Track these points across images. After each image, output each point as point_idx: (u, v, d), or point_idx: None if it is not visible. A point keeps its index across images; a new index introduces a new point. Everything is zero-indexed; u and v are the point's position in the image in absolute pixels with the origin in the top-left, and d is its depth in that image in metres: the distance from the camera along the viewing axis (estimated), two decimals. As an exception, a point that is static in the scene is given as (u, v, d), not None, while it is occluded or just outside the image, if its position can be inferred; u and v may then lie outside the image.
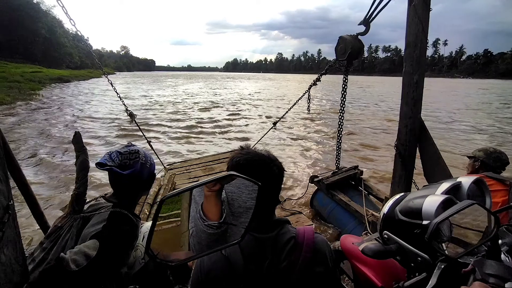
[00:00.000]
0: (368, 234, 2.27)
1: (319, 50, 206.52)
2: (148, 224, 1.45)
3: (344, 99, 2.61)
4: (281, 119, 3.59)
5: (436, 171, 2.15)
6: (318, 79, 2.72)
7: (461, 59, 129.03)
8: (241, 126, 9.52)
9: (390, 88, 31.91)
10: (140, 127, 3.14)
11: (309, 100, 2.86)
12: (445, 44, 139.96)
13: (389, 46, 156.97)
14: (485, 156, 1.86)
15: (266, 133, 3.83)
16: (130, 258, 1.15)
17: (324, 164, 5.35)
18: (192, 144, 7.14)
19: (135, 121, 2.87)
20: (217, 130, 8.76)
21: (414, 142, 2.22)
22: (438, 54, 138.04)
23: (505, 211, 0.95)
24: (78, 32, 2.28)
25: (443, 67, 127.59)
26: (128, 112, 2.74)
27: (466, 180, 0.76)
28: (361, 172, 3.11)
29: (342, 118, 2.67)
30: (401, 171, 2.34)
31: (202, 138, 7.79)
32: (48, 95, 17.79)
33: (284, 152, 6.33)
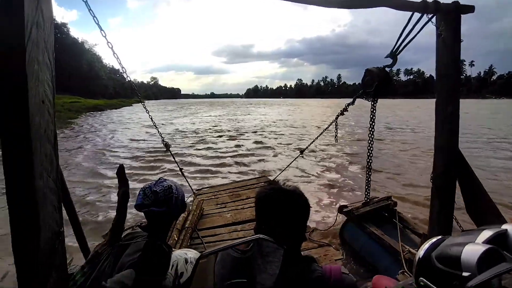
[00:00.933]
0: (405, 273, 2.12)
1: (339, 75, 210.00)
2: (177, 252, 1.51)
3: (373, 129, 2.59)
4: (308, 147, 3.60)
5: (481, 208, 2.00)
6: (345, 109, 2.75)
7: (491, 79, 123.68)
8: (265, 153, 9.51)
9: (420, 111, 30.26)
10: (174, 157, 3.31)
11: (336, 130, 2.88)
12: (471, 65, 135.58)
13: (411, 68, 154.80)
14: None
15: (292, 161, 3.84)
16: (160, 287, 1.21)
17: (354, 194, 5.16)
18: (217, 171, 7.26)
19: (169, 151, 3.05)
20: (241, 157, 8.83)
21: (453, 176, 2.11)
22: (465, 75, 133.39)
23: None
24: (122, 69, 2.53)
25: (471, 88, 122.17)
26: (164, 143, 2.94)
27: None
28: (395, 203, 2.97)
29: (371, 148, 2.63)
30: (439, 207, 2.20)
31: (226, 165, 7.88)
32: (77, 123, 19.25)
33: (311, 181, 6.22)
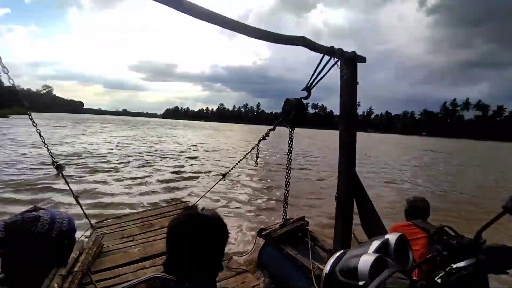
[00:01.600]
0: (315, 290, 2.25)
1: (258, 103, 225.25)
2: None
3: (291, 154, 2.79)
4: (230, 171, 3.57)
5: (371, 223, 2.37)
6: (267, 134, 2.89)
7: (371, 117, 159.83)
8: (184, 180, 8.78)
9: (328, 142, 34.43)
10: (68, 182, 2.64)
11: (258, 154, 2.97)
12: (358, 105, 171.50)
13: (317, 104, 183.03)
14: (407, 204, 2.12)
15: (213, 185, 3.71)
16: None
17: (272, 218, 5.31)
18: (125, 200, 6.20)
19: (62, 175, 2.41)
20: (155, 184, 7.88)
21: (352, 197, 2.45)
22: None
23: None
24: (3, 69, 1.98)
25: (358, 124, 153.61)
26: (55, 164, 2.29)
27: (392, 237, 0.86)
28: (307, 223, 3.20)
29: (289, 172, 2.81)
30: (341, 225, 2.50)
31: (136, 193, 6.80)
32: None
33: (232, 205, 6.14)
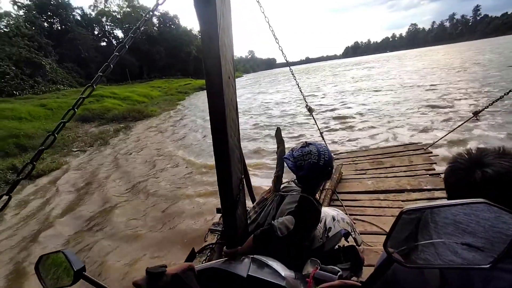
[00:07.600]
0: None
1: (477, 5, 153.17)
2: (325, 209, 1.64)
3: None
4: (485, 109, 2.79)
5: None
6: None
7: None
8: (413, 120, 7.72)
9: None
10: (316, 121, 3.44)
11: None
12: None
13: None
14: None
15: (462, 124, 3.06)
16: (312, 235, 1.37)
17: None
18: (354, 138, 6.89)
19: (312, 116, 3.34)
20: (387, 125, 7.69)
21: None
22: None
23: None
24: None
25: None
26: (308, 107, 3.25)
27: None
28: None
29: None
30: None
31: (362, 131, 7.31)
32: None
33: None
